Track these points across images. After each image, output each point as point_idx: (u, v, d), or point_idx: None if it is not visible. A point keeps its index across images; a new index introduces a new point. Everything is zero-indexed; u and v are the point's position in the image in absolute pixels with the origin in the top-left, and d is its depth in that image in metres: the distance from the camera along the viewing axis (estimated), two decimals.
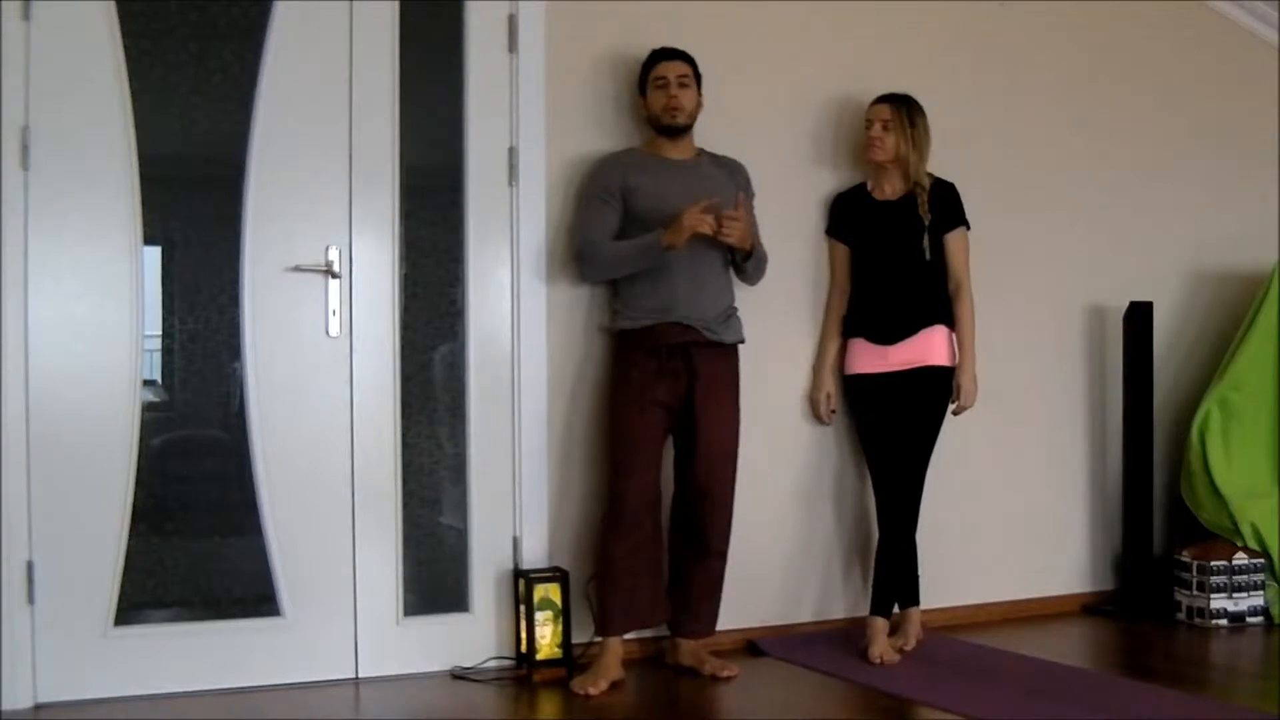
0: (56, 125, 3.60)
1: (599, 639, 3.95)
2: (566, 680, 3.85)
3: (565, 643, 3.95)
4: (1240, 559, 4.64)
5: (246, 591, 3.86)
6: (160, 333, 3.84)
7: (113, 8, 3.64)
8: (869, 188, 4.37)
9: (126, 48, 3.65)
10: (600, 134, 4.15)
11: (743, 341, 4.09)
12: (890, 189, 4.31)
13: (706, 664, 3.98)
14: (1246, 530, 4.72)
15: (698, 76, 4.02)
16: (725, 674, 3.93)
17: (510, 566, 4.06)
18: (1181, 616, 4.71)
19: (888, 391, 4.25)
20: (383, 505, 3.93)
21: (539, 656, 3.92)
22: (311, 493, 3.84)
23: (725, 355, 4.03)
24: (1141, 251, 5.09)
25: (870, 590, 4.26)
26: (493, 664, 4.01)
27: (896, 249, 4.27)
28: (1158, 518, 4.92)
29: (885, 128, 4.23)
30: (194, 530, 3.89)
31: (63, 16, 3.60)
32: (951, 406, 4.28)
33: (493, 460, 4.05)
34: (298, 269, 3.84)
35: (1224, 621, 4.61)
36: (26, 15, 3.57)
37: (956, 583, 4.63)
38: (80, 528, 3.62)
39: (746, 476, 4.09)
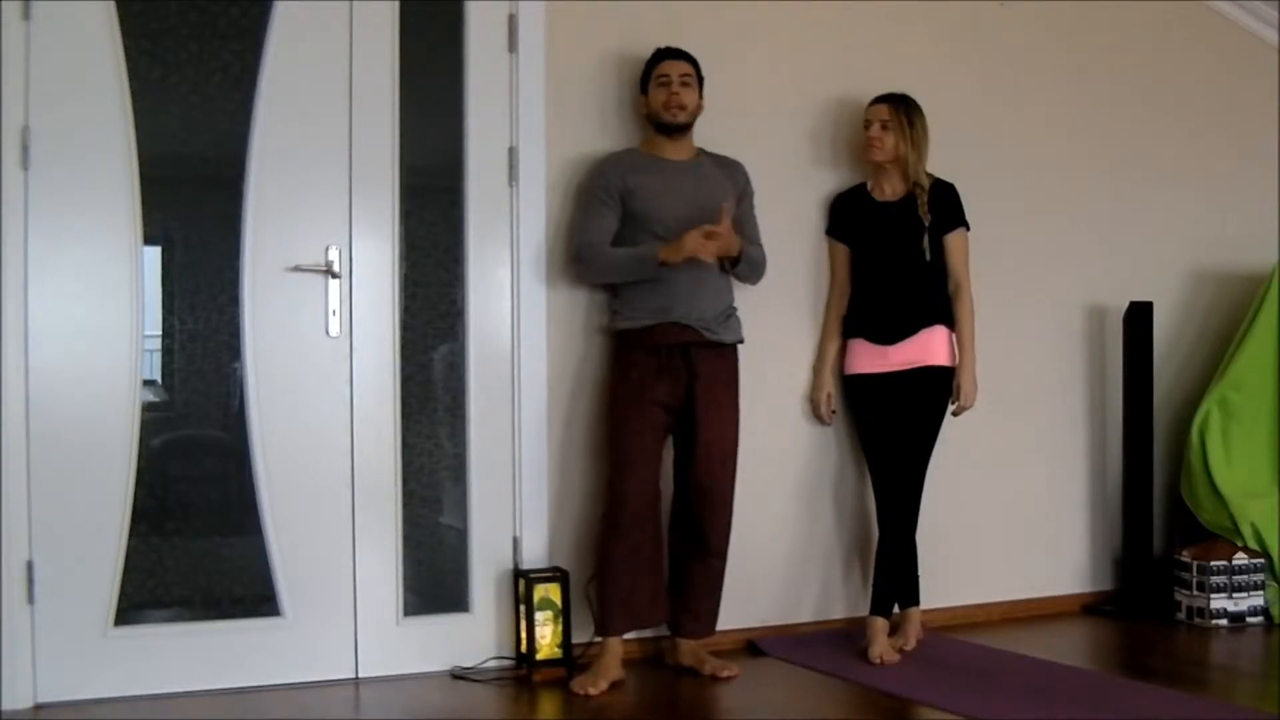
0: (56, 125, 3.60)
1: (599, 639, 3.95)
2: (566, 680, 3.85)
3: (565, 643, 3.95)
4: (1240, 559, 4.64)
5: (246, 591, 3.86)
6: (160, 333, 3.84)
7: (113, 8, 3.64)
8: (869, 188, 4.37)
9: (126, 48, 3.65)
10: (600, 134, 4.16)
11: (742, 341, 4.09)
12: (890, 189, 4.31)
13: (706, 664, 3.98)
14: (1246, 530, 4.72)
15: (700, 78, 4.03)
16: (725, 674, 3.93)
17: (510, 566, 4.06)
18: (1181, 616, 4.71)
19: (888, 391, 4.25)
20: (383, 505, 3.93)
21: (539, 656, 3.92)
22: (311, 493, 3.84)
23: (725, 355, 4.03)
24: (1141, 251, 5.09)
25: (870, 590, 4.26)
26: (493, 664, 4.01)
27: (896, 249, 4.27)
28: (1158, 518, 4.92)
29: (884, 128, 4.23)
30: (194, 530, 3.89)
31: (63, 16, 3.60)
32: (952, 407, 4.28)
33: (493, 460, 4.05)
34: (298, 269, 3.84)
35: (1224, 621, 4.61)
36: (26, 15, 3.57)
37: (956, 583, 4.63)
38: (80, 528, 3.62)
39: (746, 476, 4.09)
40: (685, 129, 4.03)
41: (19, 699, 3.54)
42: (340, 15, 3.87)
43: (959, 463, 4.53)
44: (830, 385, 4.42)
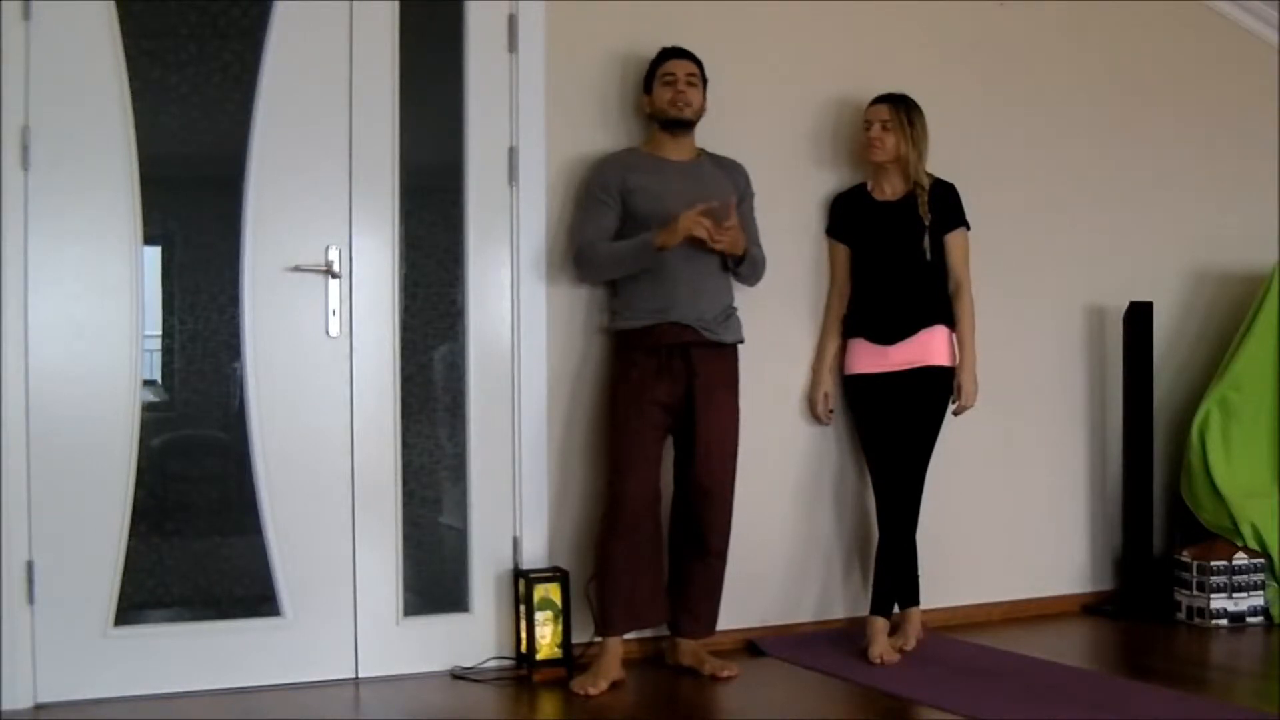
0: (56, 125, 3.60)
1: (599, 639, 3.95)
2: (566, 680, 3.85)
3: (565, 643, 3.95)
4: (1240, 559, 4.64)
5: (246, 591, 3.86)
6: (160, 333, 3.85)
7: (113, 8, 3.64)
8: (869, 188, 4.37)
9: (126, 48, 3.65)
10: (600, 134, 4.16)
11: (742, 341, 4.09)
12: (890, 189, 4.31)
13: (706, 664, 3.98)
14: (1246, 530, 4.72)
15: (704, 79, 4.03)
16: (725, 674, 3.93)
17: (510, 566, 4.06)
18: (1181, 616, 4.71)
19: (888, 391, 4.25)
20: (383, 505, 3.93)
21: (539, 656, 3.92)
22: (311, 493, 3.84)
23: (724, 355, 4.03)
24: (1141, 251, 5.09)
25: (870, 590, 4.26)
26: (493, 664, 4.01)
27: (897, 249, 4.27)
28: (1158, 518, 4.92)
29: (885, 128, 4.23)
30: (194, 530, 3.89)
31: (63, 16, 3.60)
32: (952, 406, 4.28)
33: (493, 460, 4.05)
34: (298, 269, 3.84)
35: (1224, 621, 4.61)
36: (26, 15, 3.57)
37: (956, 583, 4.63)
38: (80, 528, 3.62)
39: (746, 476, 4.09)
40: (689, 127, 4.03)
41: (19, 699, 3.54)
42: (340, 15, 3.87)
43: (959, 463, 4.52)
44: (828, 385, 4.42)
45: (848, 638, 4.31)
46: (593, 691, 3.76)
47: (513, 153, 4.07)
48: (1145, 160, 5.12)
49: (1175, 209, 5.18)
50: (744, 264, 4.01)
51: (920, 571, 4.31)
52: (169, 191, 3.79)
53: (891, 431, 4.24)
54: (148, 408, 3.77)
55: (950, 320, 4.27)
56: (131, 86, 3.66)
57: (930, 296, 4.26)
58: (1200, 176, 5.23)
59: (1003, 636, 4.48)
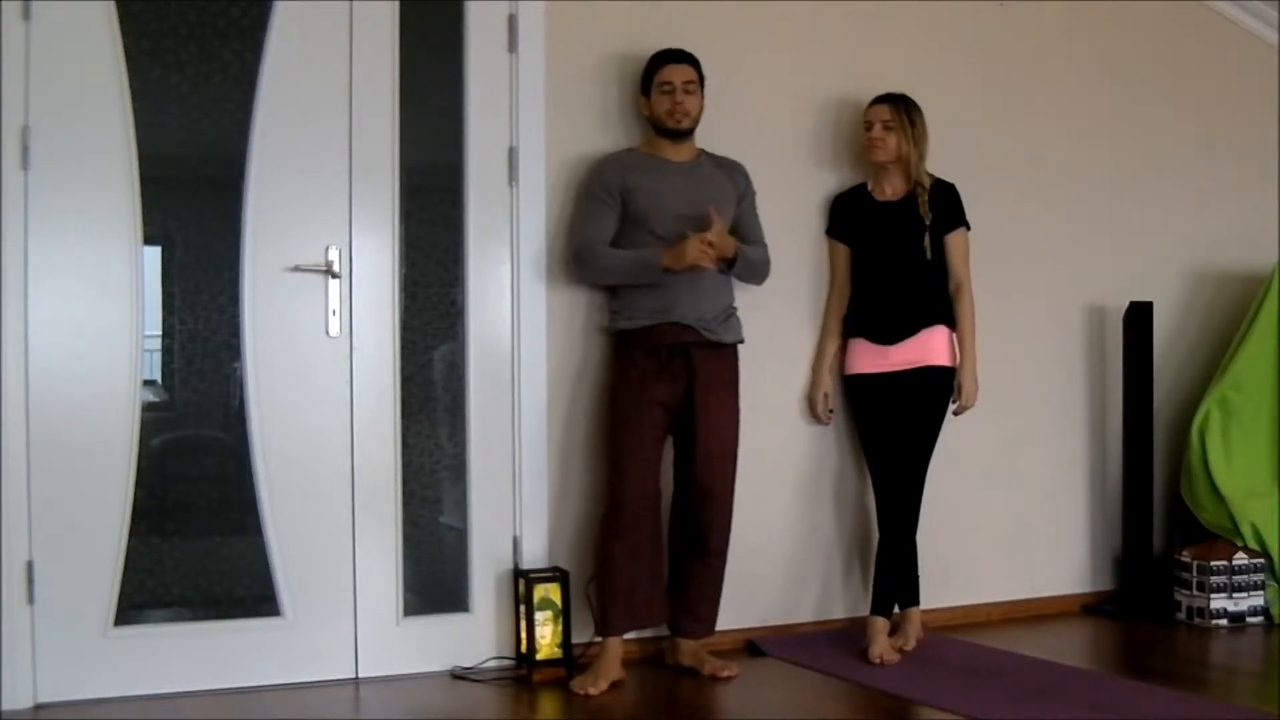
0: (56, 125, 3.60)
1: (599, 639, 3.95)
2: (566, 680, 3.85)
3: (565, 643, 3.95)
4: (1240, 559, 4.64)
5: (246, 591, 3.86)
6: (160, 333, 3.85)
7: (113, 8, 3.64)
8: (869, 188, 4.37)
9: (126, 48, 3.65)
10: (600, 134, 4.16)
11: (742, 341, 4.09)
12: (891, 189, 4.31)
13: (706, 664, 3.98)
14: (1246, 530, 4.72)
15: (701, 79, 4.02)
16: (725, 674, 3.93)
17: (510, 566, 4.06)
18: (1181, 616, 4.71)
19: (888, 391, 4.25)
20: (383, 505, 3.93)
21: (539, 656, 3.92)
22: (311, 493, 3.84)
23: (725, 355, 4.03)
24: (1141, 251, 5.09)
25: (870, 590, 4.26)
26: (493, 664, 4.01)
27: (897, 249, 4.27)
28: (1158, 518, 4.92)
29: (886, 128, 4.23)
30: (194, 530, 3.89)
31: (63, 16, 3.60)
32: (953, 406, 4.28)
33: (493, 460, 4.05)
34: (298, 269, 3.84)
35: (1224, 621, 4.61)
36: (26, 15, 3.57)
37: (956, 583, 4.63)
38: (80, 528, 3.62)
39: (746, 476, 4.09)
40: (689, 134, 4.03)
41: (19, 699, 3.54)
42: (340, 15, 3.87)
43: (959, 463, 4.52)
44: (828, 385, 4.42)
45: (848, 638, 4.31)
46: (593, 691, 3.76)
47: (513, 153, 4.07)
48: (1145, 160, 5.12)
49: (1175, 209, 5.18)
50: (737, 265, 4.01)
51: (920, 571, 4.31)
52: (169, 191, 3.79)
53: (892, 431, 4.24)
54: (148, 408, 3.77)
55: (951, 320, 4.27)
56: (131, 86, 3.66)
57: (930, 296, 4.26)
58: (1200, 176, 5.23)
59: (1002, 636, 4.48)
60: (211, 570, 3.87)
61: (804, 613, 4.47)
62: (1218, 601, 4.61)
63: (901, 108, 4.24)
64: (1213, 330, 5.23)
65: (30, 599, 3.57)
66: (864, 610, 4.29)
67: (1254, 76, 5.36)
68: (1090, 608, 4.91)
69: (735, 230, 4.05)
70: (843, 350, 4.42)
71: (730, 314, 4.05)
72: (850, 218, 4.39)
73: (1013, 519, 4.83)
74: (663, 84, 3.97)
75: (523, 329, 4.07)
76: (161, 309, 3.84)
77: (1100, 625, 4.75)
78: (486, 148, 4.05)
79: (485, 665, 4.00)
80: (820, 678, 3.96)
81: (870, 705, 3.71)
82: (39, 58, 3.57)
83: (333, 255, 3.87)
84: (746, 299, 4.15)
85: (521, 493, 4.07)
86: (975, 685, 3.86)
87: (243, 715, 3.58)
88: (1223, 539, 4.73)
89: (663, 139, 4.03)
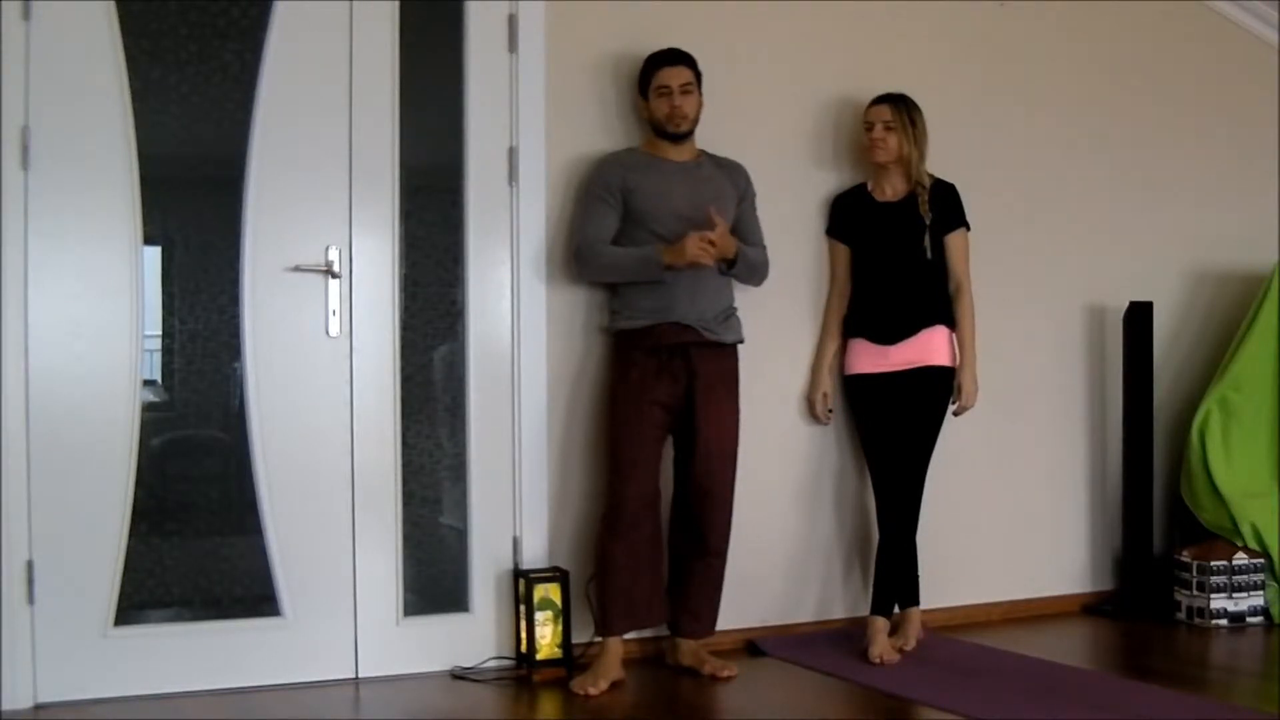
0: (56, 125, 3.60)
1: (599, 639, 3.95)
2: (566, 680, 3.85)
3: (565, 643, 3.95)
4: (1240, 559, 4.64)
5: (246, 591, 3.86)
6: (160, 333, 3.85)
7: (113, 8, 3.64)
8: (869, 188, 4.37)
9: (126, 48, 3.65)
10: (600, 134, 4.15)
11: (742, 341, 4.09)
12: (891, 189, 4.31)
13: (706, 664, 3.98)
14: (1246, 530, 4.72)
15: (698, 77, 4.02)
16: (725, 674, 3.93)
17: (510, 566, 4.06)
18: (1181, 616, 4.71)
19: (888, 391, 4.25)
20: (383, 505, 3.93)
21: (539, 656, 3.92)
22: (311, 493, 3.84)
23: (725, 355, 4.03)
24: (1141, 251, 5.09)
25: (870, 590, 4.26)
26: (493, 664, 4.01)
27: (897, 249, 4.27)
28: (1158, 518, 4.92)
29: (887, 128, 4.23)
30: (194, 530, 3.89)
31: (63, 16, 3.60)
32: (953, 406, 4.28)
33: (493, 460, 4.05)
34: (298, 269, 3.84)
35: (1224, 621, 4.61)
36: (26, 15, 3.57)
37: (956, 583, 4.63)
38: (80, 528, 3.62)
39: (746, 476, 4.09)
40: (688, 135, 4.03)
41: (19, 699, 3.54)
42: (340, 15, 3.87)
43: (959, 463, 4.52)
44: (827, 385, 4.42)
45: (848, 638, 4.31)
46: (593, 691, 3.76)
47: (513, 153, 4.07)
48: (1145, 160, 5.12)
49: (1175, 209, 5.18)
50: (737, 266, 4.01)
51: (920, 571, 4.31)
52: (169, 191, 3.79)
53: (892, 432, 4.24)
54: (148, 408, 3.77)
55: (951, 320, 4.28)
56: (131, 86, 3.66)
57: (930, 296, 4.26)
58: (1200, 176, 5.23)
59: (1003, 636, 4.48)
60: (211, 570, 3.86)
61: (804, 613, 4.47)
62: (1218, 601, 4.61)
63: (902, 108, 4.24)
64: (1213, 330, 5.23)
65: (30, 599, 3.57)
66: (864, 610, 4.29)
67: (1254, 76, 5.36)
68: (1090, 608, 4.91)
69: (735, 231, 4.05)
70: (843, 350, 4.42)
71: (730, 314, 4.06)
72: (850, 218, 4.39)
73: (1013, 519, 4.83)
74: (660, 88, 3.97)
75: (523, 329, 4.07)
76: (161, 309, 3.84)
77: (1100, 625, 4.75)
78: (486, 148, 4.05)
79: (485, 665, 4.00)
80: (820, 678, 3.96)
81: (870, 705, 3.71)
82: (39, 58, 3.57)
83: (333, 255, 3.87)
84: (746, 299, 4.15)
85: (521, 493, 4.07)
86: (975, 685, 3.86)
87: (243, 715, 3.58)
88: (1223, 539, 4.73)
89: (663, 140, 4.03)
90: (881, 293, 4.30)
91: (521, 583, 3.97)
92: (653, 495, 3.95)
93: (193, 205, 3.95)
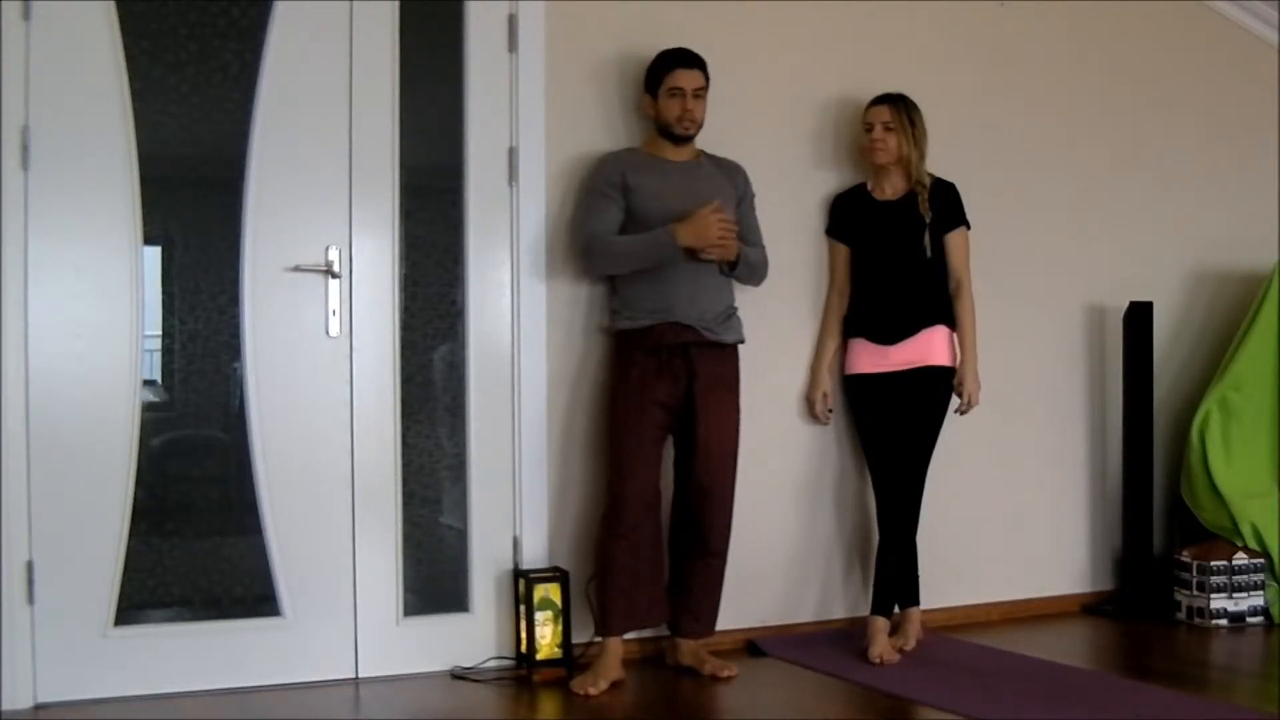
0: (56, 125, 3.60)
1: (599, 639, 3.95)
2: (566, 680, 3.85)
3: (565, 643, 3.95)
4: (1240, 559, 4.64)
5: (246, 591, 3.86)
6: (160, 333, 3.84)
7: (113, 8, 3.64)
8: (869, 188, 4.37)
9: (126, 48, 3.65)
10: (600, 134, 4.15)
11: (742, 341, 4.09)
12: (891, 189, 4.31)
13: (706, 664, 3.98)
14: (1246, 530, 4.72)
15: (708, 82, 4.01)
16: (725, 674, 3.93)
17: (510, 566, 4.06)
18: (1181, 616, 4.71)
19: (888, 391, 4.25)
20: (383, 505, 3.93)
21: (539, 656, 3.92)
22: (311, 493, 3.84)
23: (725, 355, 4.03)
24: (1141, 251, 5.09)
25: (870, 590, 4.26)
26: (493, 664, 4.01)
27: (897, 249, 4.27)
28: (1158, 518, 4.92)
29: (887, 129, 4.23)
30: (194, 530, 3.89)
31: (63, 16, 3.60)
32: (957, 406, 4.28)
33: (493, 460, 4.05)
34: (298, 269, 3.84)
35: (1224, 621, 4.61)
36: (26, 15, 3.57)
37: (956, 583, 4.63)
38: (80, 528, 3.62)
39: (746, 477, 4.09)
40: (693, 138, 4.03)
41: (19, 699, 3.54)
42: (340, 15, 3.87)
43: (959, 463, 4.52)
44: (826, 385, 4.42)
45: (848, 638, 4.31)
46: (593, 691, 3.76)
47: (513, 153, 4.07)
48: (1145, 160, 5.12)
49: (1175, 209, 5.18)
50: (739, 267, 4.01)
51: (920, 571, 4.31)
52: (169, 191, 3.79)
53: (892, 431, 4.24)
54: (148, 408, 3.77)
55: (951, 320, 4.28)
56: (131, 86, 3.66)
57: (931, 296, 4.26)
58: (1200, 176, 5.23)
59: (1003, 636, 4.48)
60: (211, 570, 3.86)
61: (804, 613, 4.47)
62: (1218, 601, 4.61)
63: (901, 108, 4.24)
64: (1213, 330, 5.23)
65: (30, 599, 3.57)
66: (864, 610, 4.29)
67: (1254, 76, 5.36)
68: (1090, 608, 4.91)
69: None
70: (843, 350, 4.42)
71: (730, 314, 4.06)
72: (850, 217, 4.39)
73: (1013, 519, 4.83)
74: (673, 88, 3.96)
75: (523, 329, 4.07)
76: (161, 309, 3.84)
77: (1100, 625, 4.75)
78: (486, 148, 4.05)
79: (485, 665, 4.00)
80: (820, 678, 3.96)
81: (870, 705, 3.71)
82: (39, 58, 3.57)
83: (333, 255, 3.87)
84: (746, 299, 4.15)
85: (521, 493, 4.07)
86: (975, 685, 3.86)
87: (243, 715, 3.58)
88: (1223, 539, 4.73)
89: (664, 140, 4.03)
90: (881, 292, 4.30)
91: (521, 583, 3.97)
92: (653, 495, 3.95)
93: (193, 205, 3.95)
